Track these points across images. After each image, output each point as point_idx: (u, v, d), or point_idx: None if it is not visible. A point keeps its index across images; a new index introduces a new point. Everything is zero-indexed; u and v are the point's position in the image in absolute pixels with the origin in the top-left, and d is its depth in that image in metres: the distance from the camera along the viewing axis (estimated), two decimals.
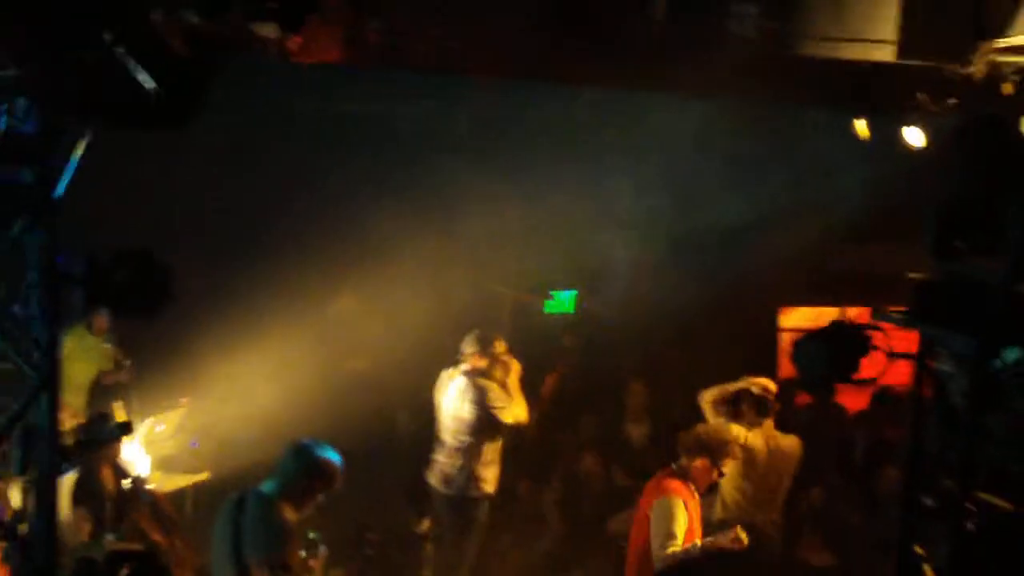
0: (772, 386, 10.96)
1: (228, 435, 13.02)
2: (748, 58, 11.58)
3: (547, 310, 15.53)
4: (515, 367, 11.88)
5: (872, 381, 6.94)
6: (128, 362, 12.91)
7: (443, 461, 11.85)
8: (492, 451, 11.78)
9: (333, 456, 8.07)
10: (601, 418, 14.20)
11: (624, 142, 14.59)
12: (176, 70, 6.04)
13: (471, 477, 11.71)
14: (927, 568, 6.74)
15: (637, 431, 14.01)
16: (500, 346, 11.86)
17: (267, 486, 7.97)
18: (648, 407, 14.05)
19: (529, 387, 12.51)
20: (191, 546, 10.57)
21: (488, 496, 11.81)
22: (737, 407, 10.84)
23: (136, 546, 9.34)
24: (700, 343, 14.51)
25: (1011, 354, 6.26)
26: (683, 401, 13.75)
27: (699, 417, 10.89)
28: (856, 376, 6.86)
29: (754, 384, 10.91)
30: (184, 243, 12.47)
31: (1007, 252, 6.14)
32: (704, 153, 14.89)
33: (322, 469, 8.01)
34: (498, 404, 11.59)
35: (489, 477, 11.81)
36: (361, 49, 12.06)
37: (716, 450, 9.47)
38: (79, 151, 6.60)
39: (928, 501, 6.86)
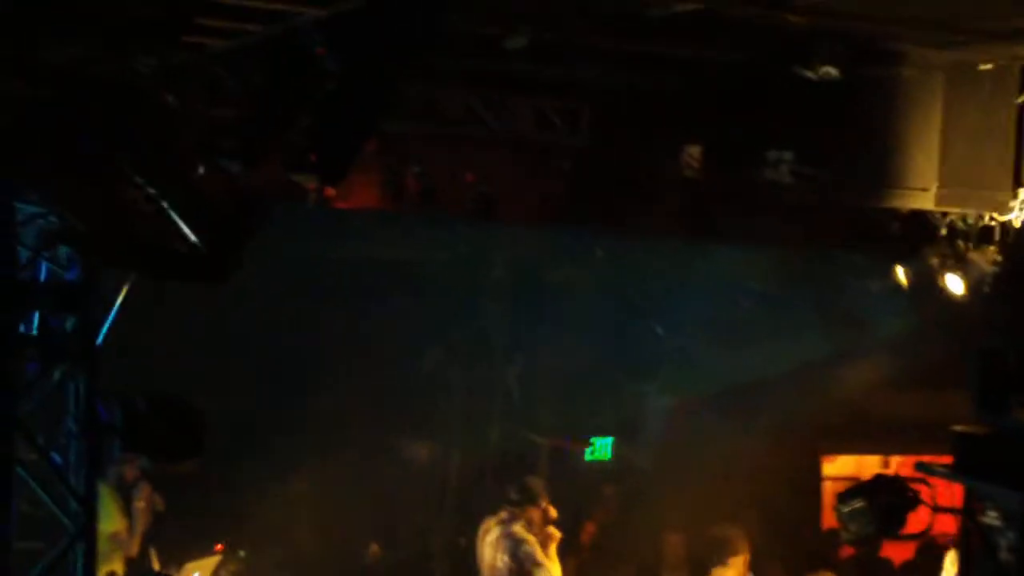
0: None
1: None
2: (784, 204, 11.62)
3: (587, 458, 15.39)
4: (555, 535, 11.70)
5: (918, 536, 6.83)
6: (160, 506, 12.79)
7: None
8: None
9: None
10: (640, 570, 13.96)
11: (661, 288, 14.57)
12: (218, 223, 6.07)
13: None
14: None
15: None
16: (545, 500, 11.71)
17: None
18: (687, 558, 13.81)
19: (568, 536, 12.34)
20: None
21: None
22: None
23: None
24: (740, 492, 14.31)
25: None
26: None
27: None
28: (902, 532, 6.76)
29: None
30: (222, 389, 12.47)
31: None
32: (745, 298, 14.87)
33: None
34: (534, 559, 11.38)
35: None
36: (398, 195, 12.17)
37: None
38: (120, 300, 6.63)
39: None
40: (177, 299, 11.18)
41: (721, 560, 9.80)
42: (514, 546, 11.37)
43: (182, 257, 6.02)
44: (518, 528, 11.41)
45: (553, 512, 11.67)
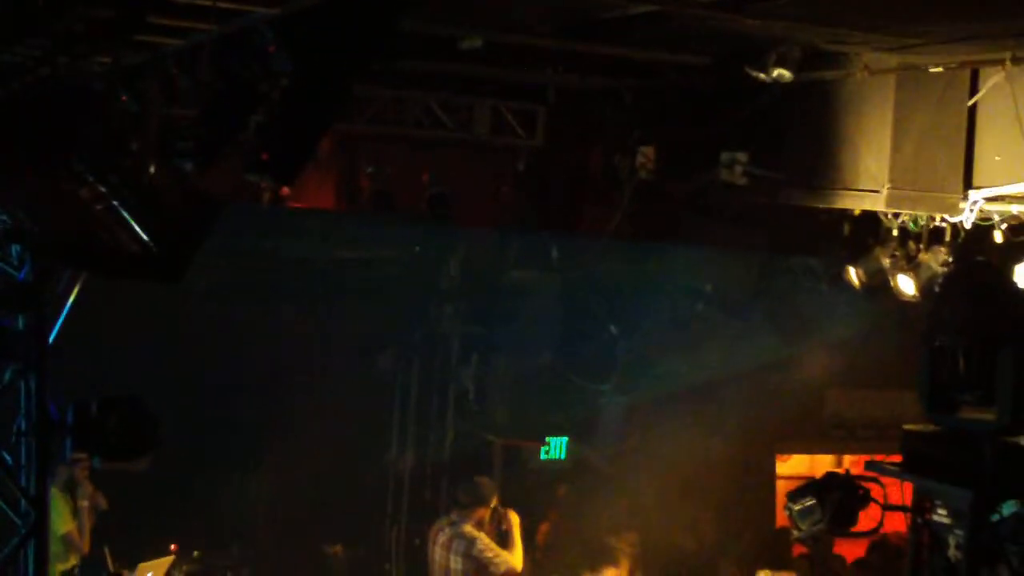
0: None
1: None
2: (738, 206, 11.68)
3: (542, 457, 15.41)
4: (515, 518, 11.74)
5: (869, 534, 6.88)
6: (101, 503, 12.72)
7: None
8: None
9: None
10: (595, 568, 13.98)
11: (616, 289, 14.61)
12: (170, 222, 6.06)
13: None
14: None
15: None
16: (496, 499, 11.75)
17: None
18: (641, 557, 13.85)
19: (522, 536, 12.38)
20: None
21: None
22: None
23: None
24: (695, 491, 14.38)
25: (1008, 508, 6.21)
26: (678, 550, 13.71)
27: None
28: (853, 529, 6.81)
29: None
30: (171, 388, 12.43)
31: (1000, 403, 6.11)
32: (698, 299, 14.93)
33: None
34: (488, 554, 11.42)
35: None
36: (353, 195, 12.17)
37: None
38: (71, 299, 6.61)
39: None
40: (130, 299, 11.17)
41: (594, 569, 9.89)
42: (467, 546, 11.41)
43: (134, 256, 6.01)
44: (468, 528, 11.45)
45: (515, 515, 11.75)
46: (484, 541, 11.41)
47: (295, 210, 12.38)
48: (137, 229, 5.96)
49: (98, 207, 5.95)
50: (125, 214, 5.95)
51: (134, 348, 12.96)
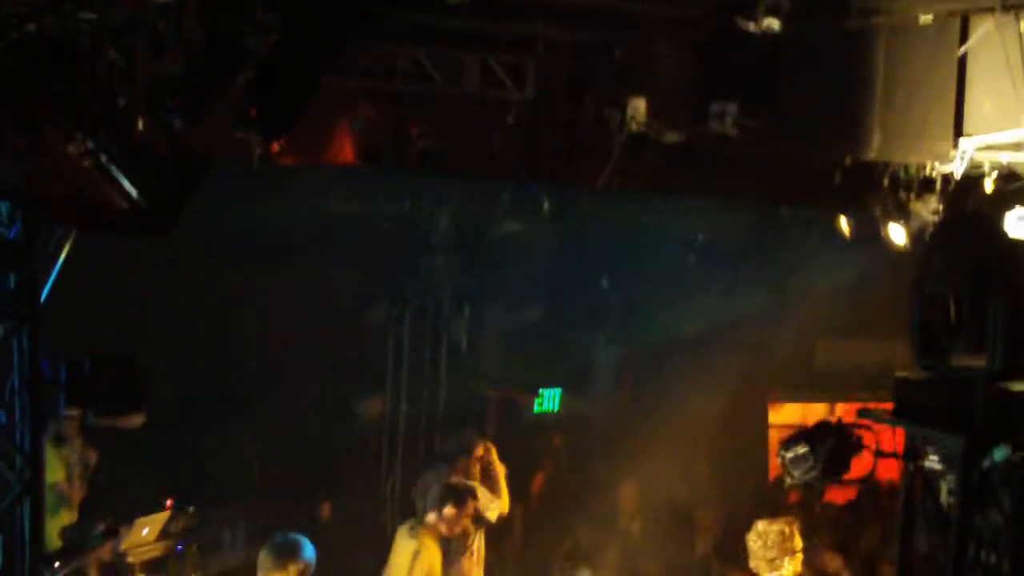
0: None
1: (213, 538, 12.89)
2: (728, 157, 11.67)
3: (535, 409, 15.46)
4: (500, 468, 11.84)
5: (861, 480, 6.91)
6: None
7: None
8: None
9: (309, 549, 8.01)
10: (590, 519, 14.04)
11: (608, 240, 14.62)
12: (159, 178, 6.05)
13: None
14: None
15: (636, 530, 13.82)
16: (481, 448, 11.83)
17: None
18: (640, 509, 13.90)
19: (517, 486, 12.46)
20: None
21: None
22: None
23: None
24: (688, 441, 14.42)
25: (999, 452, 6.23)
26: (671, 499, 13.76)
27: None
28: (846, 477, 6.84)
29: None
30: (166, 346, 12.45)
31: (991, 350, 6.13)
32: (689, 250, 14.94)
33: (305, 568, 7.93)
34: (481, 502, 11.57)
35: None
36: (344, 150, 12.13)
37: None
38: (63, 256, 6.61)
39: None
40: (122, 257, 11.17)
41: None
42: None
43: (123, 212, 6.00)
44: (456, 480, 11.59)
45: (493, 454, 11.83)
46: (483, 492, 11.56)
47: (285, 166, 12.34)
48: (126, 185, 5.95)
49: (86, 163, 5.93)
50: (114, 170, 5.94)
51: (126, 306, 12.96)
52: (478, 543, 11.80)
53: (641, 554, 13.10)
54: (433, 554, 10.63)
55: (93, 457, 12.37)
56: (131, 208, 6.00)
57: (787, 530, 9.43)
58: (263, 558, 7.89)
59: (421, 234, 14.98)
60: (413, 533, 10.83)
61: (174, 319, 13.48)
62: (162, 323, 13.14)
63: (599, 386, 15.76)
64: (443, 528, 10.77)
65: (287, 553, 7.89)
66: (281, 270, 13.85)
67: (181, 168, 6.40)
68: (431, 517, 10.80)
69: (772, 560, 9.31)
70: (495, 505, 11.71)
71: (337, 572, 12.22)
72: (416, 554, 10.57)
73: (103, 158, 5.93)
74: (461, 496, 10.94)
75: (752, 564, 9.49)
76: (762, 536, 9.38)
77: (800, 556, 9.52)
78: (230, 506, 13.55)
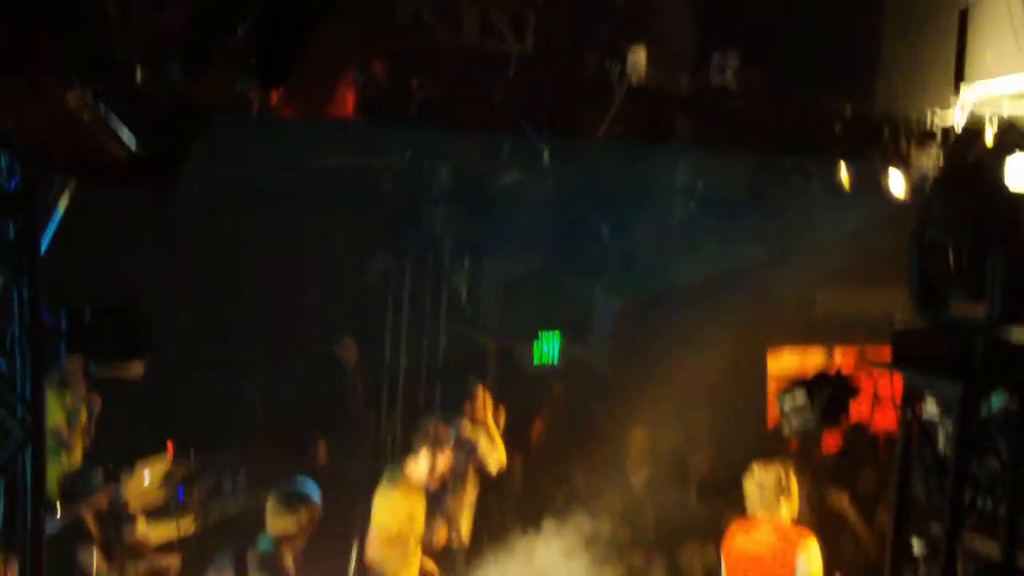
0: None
1: (214, 484, 12.96)
2: (729, 108, 11.65)
3: (534, 359, 15.51)
4: (492, 419, 11.97)
5: (860, 428, 6.96)
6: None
7: None
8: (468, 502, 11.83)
9: (315, 492, 8.06)
10: (591, 466, 14.08)
11: (608, 190, 14.61)
12: (158, 129, 6.05)
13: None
14: None
15: (638, 478, 13.87)
16: (480, 396, 11.94)
17: (265, 542, 7.91)
18: (650, 454, 13.93)
19: (516, 434, 12.53)
20: None
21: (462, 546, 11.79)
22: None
23: None
24: (687, 389, 14.46)
25: (996, 399, 6.27)
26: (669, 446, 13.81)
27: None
28: (844, 424, 6.89)
29: None
30: (167, 295, 12.48)
31: (990, 298, 6.15)
32: (689, 200, 14.94)
33: (313, 511, 7.99)
34: (486, 454, 11.66)
35: (463, 528, 11.81)
36: (343, 102, 12.11)
37: None
38: (62, 207, 6.62)
39: (917, 545, 6.84)
40: (126, 207, 11.19)
41: None
42: (470, 446, 11.70)
43: (122, 163, 6.00)
44: (467, 430, 11.67)
45: (488, 402, 11.93)
46: (483, 442, 11.65)
47: (285, 118, 12.32)
48: (124, 136, 5.95)
49: (85, 114, 5.94)
50: (112, 121, 5.94)
51: (127, 256, 12.99)
52: (471, 495, 11.88)
53: (640, 501, 13.17)
54: (413, 503, 10.61)
55: (97, 403, 12.44)
56: (130, 159, 6.01)
57: (783, 472, 9.50)
58: (273, 505, 7.93)
59: (421, 186, 14.98)
60: (392, 481, 10.72)
61: (175, 269, 13.50)
62: (163, 273, 13.17)
63: (598, 335, 15.80)
64: (421, 476, 10.64)
65: (297, 498, 7.95)
66: (282, 222, 13.86)
67: (180, 120, 6.40)
68: (410, 465, 10.80)
69: (770, 502, 9.44)
70: (495, 456, 11.78)
71: (337, 520, 12.34)
72: (394, 502, 10.54)
73: (102, 109, 5.94)
74: (437, 442, 10.90)
75: (750, 508, 9.62)
76: (759, 479, 9.49)
77: (796, 498, 9.66)
78: (231, 453, 13.63)
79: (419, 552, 10.65)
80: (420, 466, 10.54)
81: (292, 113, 11.96)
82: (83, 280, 11.41)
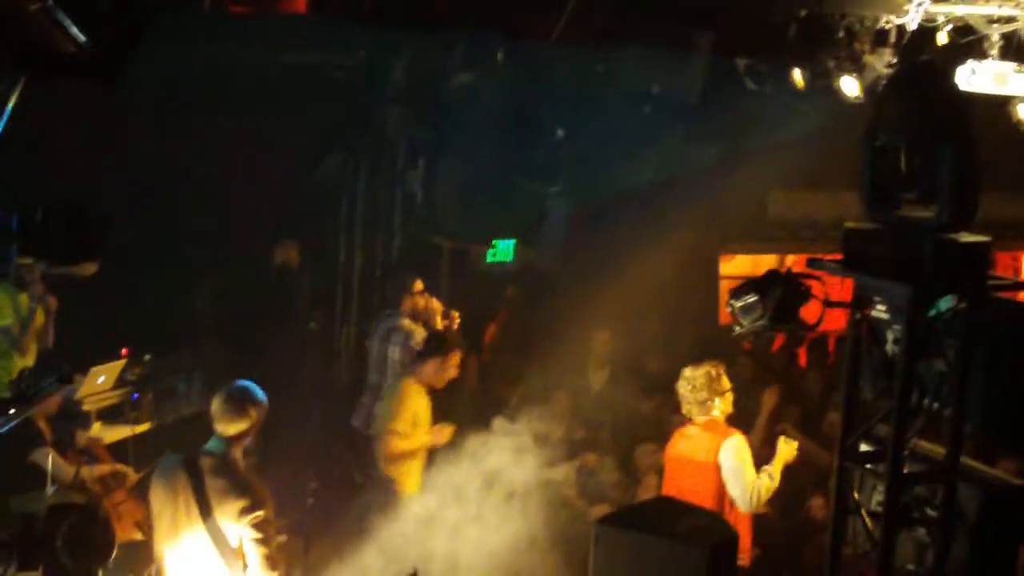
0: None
1: (168, 386, 12.97)
2: (684, 9, 11.60)
3: (488, 260, 15.53)
4: (437, 306, 12.11)
5: (810, 329, 7.00)
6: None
7: (368, 403, 11.95)
8: None
9: (261, 394, 8.04)
10: (546, 367, 14.14)
11: (562, 91, 14.55)
12: (107, 22, 5.97)
13: None
14: (863, 512, 6.81)
15: (598, 377, 13.91)
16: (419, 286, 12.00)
17: (215, 443, 7.91)
18: (612, 355, 13.98)
19: (470, 336, 12.60)
20: (133, 498, 10.53)
21: None
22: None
23: (77, 499, 9.28)
24: (640, 290, 14.51)
25: (944, 302, 6.33)
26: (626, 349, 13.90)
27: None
28: (793, 325, 6.92)
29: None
30: (119, 195, 12.39)
31: (939, 201, 6.18)
32: (643, 103, 14.90)
33: (261, 410, 7.96)
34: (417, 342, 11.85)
35: None
36: None
37: None
38: (10, 103, 6.53)
39: (865, 447, 6.93)
40: (76, 106, 11.07)
41: None
42: (405, 338, 11.79)
43: (70, 57, 5.93)
44: (406, 321, 11.80)
45: (434, 304, 12.02)
46: (420, 334, 11.75)
47: (236, 15, 12.18)
48: (72, 30, 5.87)
49: (32, 6, 5.85)
50: (60, 15, 5.86)
51: (78, 156, 12.87)
52: None
53: (593, 402, 13.27)
54: (417, 400, 10.81)
55: (53, 305, 12.39)
56: (79, 54, 5.93)
57: (714, 372, 9.74)
58: (220, 409, 7.88)
59: (375, 86, 14.86)
60: (397, 380, 11.16)
61: (126, 168, 13.38)
62: (114, 172, 13.04)
63: (552, 237, 15.82)
64: (427, 377, 10.93)
65: (244, 399, 7.91)
66: (234, 120, 13.73)
67: (128, 13, 6.31)
68: (417, 365, 11.04)
69: (703, 402, 9.65)
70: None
71: (294, 421, 12.40)
72: (400, 399, 10.75)
73: (49, 1, 5.86)
74: (443, 344, 11.12)
75: (684, 409, 9.80)
76: (690, 380, 9.71)
77: (730, 396, 9.81)
78: (186, 355, 13.61)
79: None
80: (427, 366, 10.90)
81: (242, 9, 11.83)
82: (33, 180, 11.33)
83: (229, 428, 7.82)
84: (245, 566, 7.69)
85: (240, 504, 7.61)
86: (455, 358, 11.01)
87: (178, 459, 7.93)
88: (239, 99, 13.77)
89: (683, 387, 9.77)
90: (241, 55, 13.49)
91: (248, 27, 12.88)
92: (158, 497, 7.86)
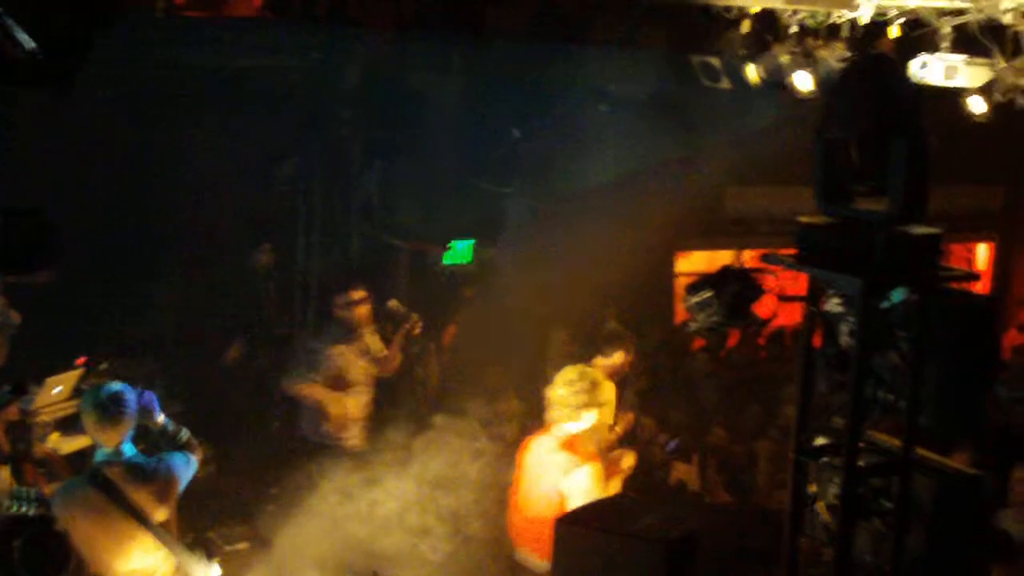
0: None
1: None
2: (640, 7, 11.64)
3: (446, 261, 15.50)
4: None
5: (765, 323, 7.04)
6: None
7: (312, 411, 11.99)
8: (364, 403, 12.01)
9: (130, 393, 7.96)
10: (509, 369, 14.14)
11: (518, 91, 14.56)
12: (57, 28, 5.93)
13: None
14: (819, 505, 6.85)
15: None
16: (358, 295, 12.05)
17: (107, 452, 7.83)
18: (571, 354, 13.96)
19: (430, 336, 12.59)
20: None
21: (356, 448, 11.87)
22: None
23: (31, 512, 9.21)
24: (598, 288, 14.55)
25: (897, 294, 6.37)
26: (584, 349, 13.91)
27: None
28: (748, 321, 6.96)
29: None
30: (75, 200, 12.30)
31: (891, 193, 6.22)
32: (599, 101, 14.93)
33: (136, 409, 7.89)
34: (381, 355, 11.83)
35: (355, 431, 11.92)
36: (249, 1, 11.93)
37: None
38: None
39: (821, 440, 6.97)
40: (32, 111, 11.00)
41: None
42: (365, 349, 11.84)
43: (19, 63, 5.88)
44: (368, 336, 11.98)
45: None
46: (377, 343, 11.74)
47: (190, 18, 12.13)
48: (20, 36, 5.83)
49: None
50: (7, 20, 5.82)
51: (34, 161, 12.78)
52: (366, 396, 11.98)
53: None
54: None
55: (15, 317, 12.27)
56: (28, 61, 5.89)
57: (599, 379, 9.07)
58: (96, 423, 7.78)
59: (330, 88, 14.83)
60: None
61: (83, 173, 13.29)
62: (70, 178, 12.95)
63: (510, 236, 15.80)
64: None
65: (118, 405, 7.81)
66: (189, 123, 13.67)
67: (81, 19, 6.27)
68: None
69: (577, 408, 8.84)
70: (389, 361, 12.18)
71: (254, 425, 12.39)
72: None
73: None
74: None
75: (552, 413, 9.04)
76: (572, 382, 8.91)
77: (609, 409, 9.32)
78: (147, 362, 13.53)
79: None
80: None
81: (197, 12, 11.79)
82: None
83: (112, 438, 7.75)
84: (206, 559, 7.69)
85: (167, 495, 7.61)
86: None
87: (82, 480, 7.85)
88: (195, 104, 13.72)
89: (561, 388, 8.94)
90: (195, 59, 13.44)
91: (203, 31, 12.83)
92: (78, 524, 7.74)
